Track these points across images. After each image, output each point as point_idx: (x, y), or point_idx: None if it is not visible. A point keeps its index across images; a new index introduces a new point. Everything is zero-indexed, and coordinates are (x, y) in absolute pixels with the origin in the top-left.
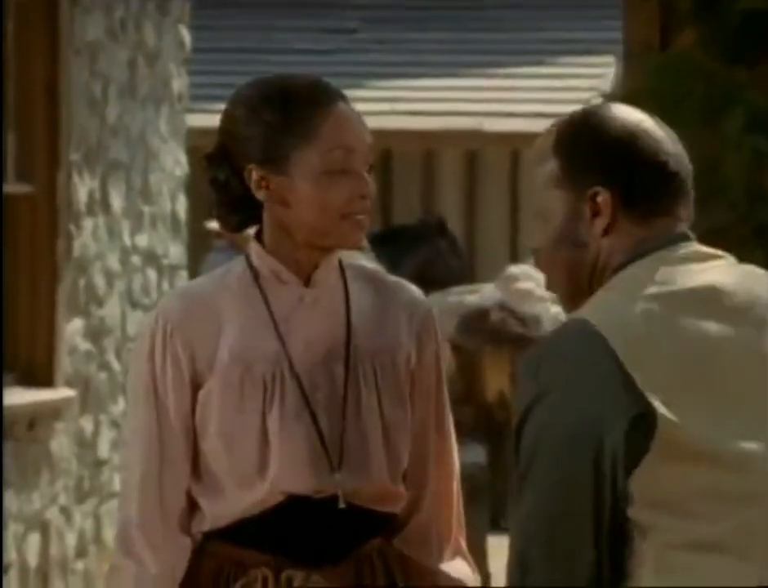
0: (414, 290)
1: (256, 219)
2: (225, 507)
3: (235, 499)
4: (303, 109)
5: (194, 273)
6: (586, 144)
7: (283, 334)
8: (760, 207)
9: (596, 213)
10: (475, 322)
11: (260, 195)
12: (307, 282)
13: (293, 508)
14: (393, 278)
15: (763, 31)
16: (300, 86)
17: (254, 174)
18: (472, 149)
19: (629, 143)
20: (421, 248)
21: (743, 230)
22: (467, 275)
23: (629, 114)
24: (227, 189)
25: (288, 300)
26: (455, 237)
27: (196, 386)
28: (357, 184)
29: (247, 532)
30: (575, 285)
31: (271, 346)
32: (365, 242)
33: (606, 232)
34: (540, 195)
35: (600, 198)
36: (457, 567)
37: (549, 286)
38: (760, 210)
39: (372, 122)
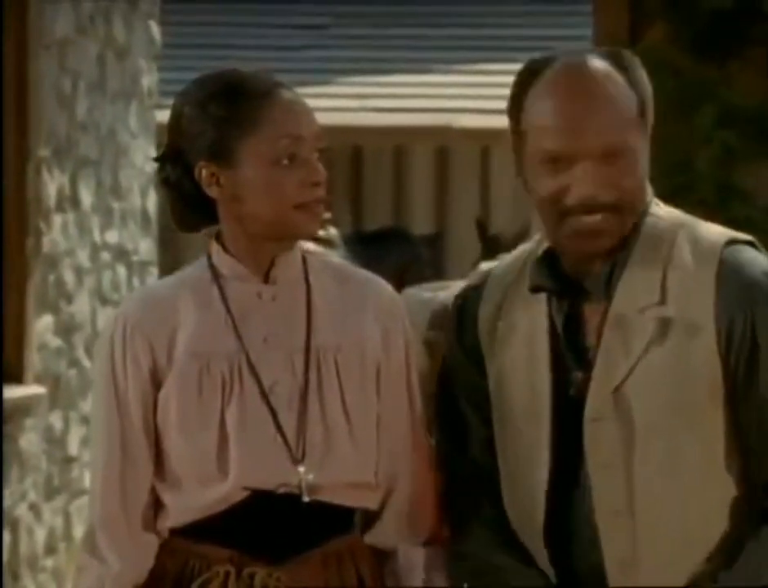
0: (381, 283)
1: (212, 217)
2: (188, 504)
3: (198, 496)
4: (248, 100)
5: (163, 269)
6: (644, 78)
7: (240, 331)
8: (730, 202)
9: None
10: (440, 317)
11: (212, 192)
12: (266, 278)
13: (257, 503)
14: (360, 271)
15: (732, 30)
16: (244, 78)
17: (204, 171)
18: (443, 145)
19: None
20: (401, 253)
21: None
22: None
23: None
24: (180, 189)
25: (246, 297)
26: (439, 251)
27: (156, 385)
28: (308, 172)
29: (211, 528)
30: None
31: (229, 343)
32: (337, 239)
33: None
34: (624, 133)
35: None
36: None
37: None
38: (730, 205)
39: (343, 119)
